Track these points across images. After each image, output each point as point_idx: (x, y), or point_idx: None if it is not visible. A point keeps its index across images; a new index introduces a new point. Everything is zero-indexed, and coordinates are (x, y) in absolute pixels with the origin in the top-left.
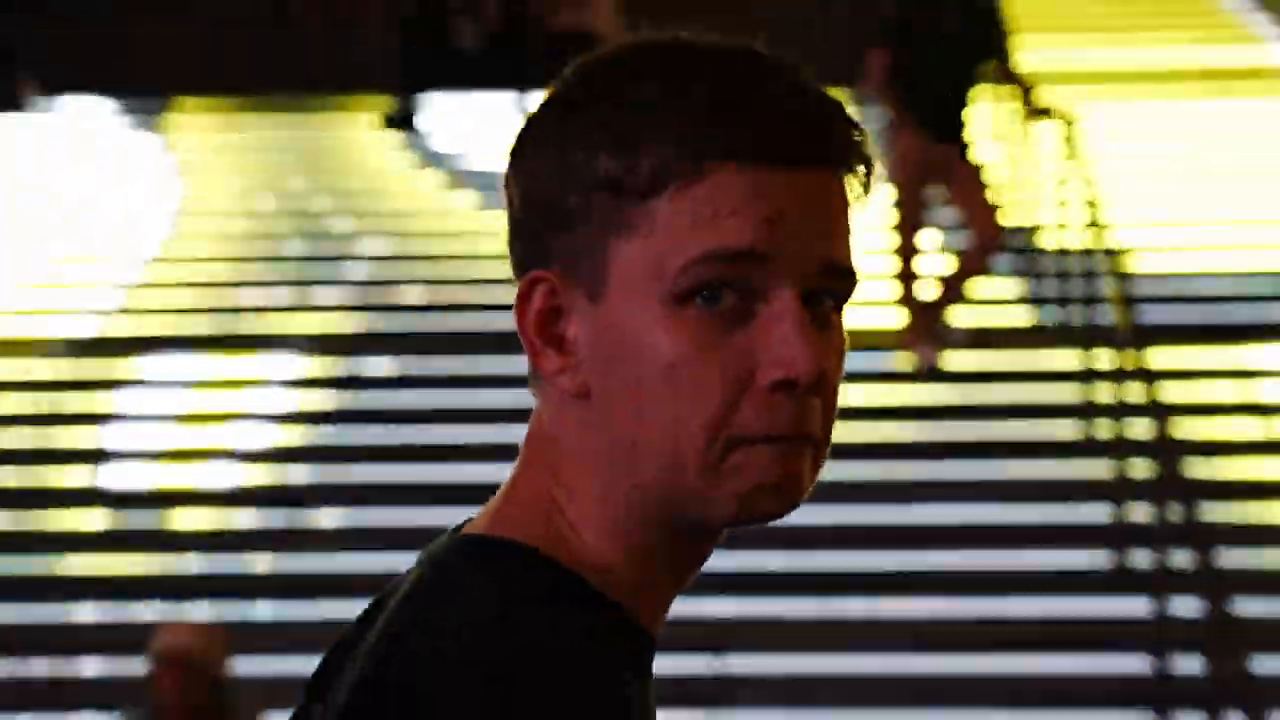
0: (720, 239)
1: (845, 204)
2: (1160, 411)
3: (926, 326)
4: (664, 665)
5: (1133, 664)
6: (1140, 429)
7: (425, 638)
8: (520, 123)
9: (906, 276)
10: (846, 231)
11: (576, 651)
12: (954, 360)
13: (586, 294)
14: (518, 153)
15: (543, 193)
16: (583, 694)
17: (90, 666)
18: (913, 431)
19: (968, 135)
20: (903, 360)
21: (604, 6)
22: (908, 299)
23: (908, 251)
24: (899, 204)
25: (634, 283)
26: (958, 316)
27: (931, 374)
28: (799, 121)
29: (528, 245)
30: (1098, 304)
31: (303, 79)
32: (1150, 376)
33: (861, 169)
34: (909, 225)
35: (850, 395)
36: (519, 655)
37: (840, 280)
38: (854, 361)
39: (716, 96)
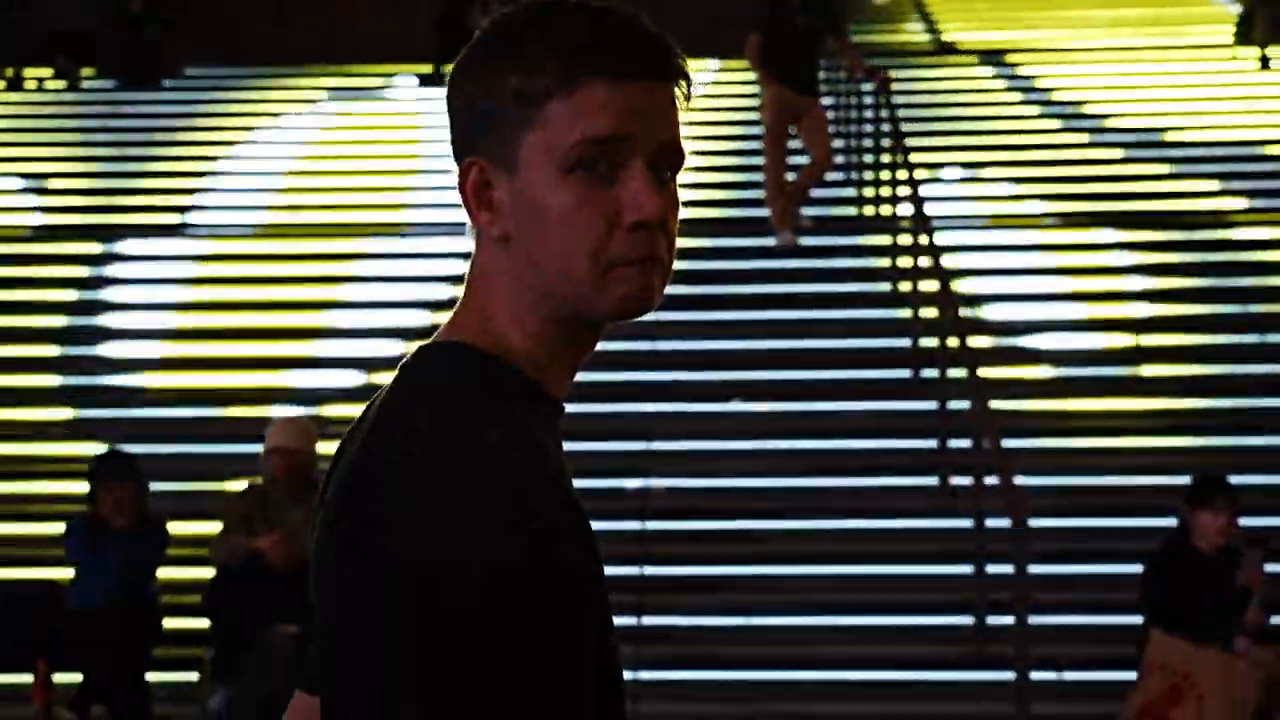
0: (594, 127)
1: (676, 106)
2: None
3: (788, 215)
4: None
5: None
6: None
7: (394, 427)
8: (459, 57)
9: (774, 184)
10: (677, 124)
11: (499, 413)
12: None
13: (506, 170)
14: (454, 79)
15: (475, 103)
16: (503, 444)
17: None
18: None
19: (815, 90)
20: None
21: None
22: (774, 199)
23: (776, 167)
24: (768, 135)
25: (537, 160)
26: (803, 210)
27: (790, 251)
28: (643, 49)
29: (465, 140)
30: (898, 202)
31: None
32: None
33: (685, 84)
34: (776, 149)
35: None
36: (457, 428)
37: (674, 156)
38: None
39: (588, 33)
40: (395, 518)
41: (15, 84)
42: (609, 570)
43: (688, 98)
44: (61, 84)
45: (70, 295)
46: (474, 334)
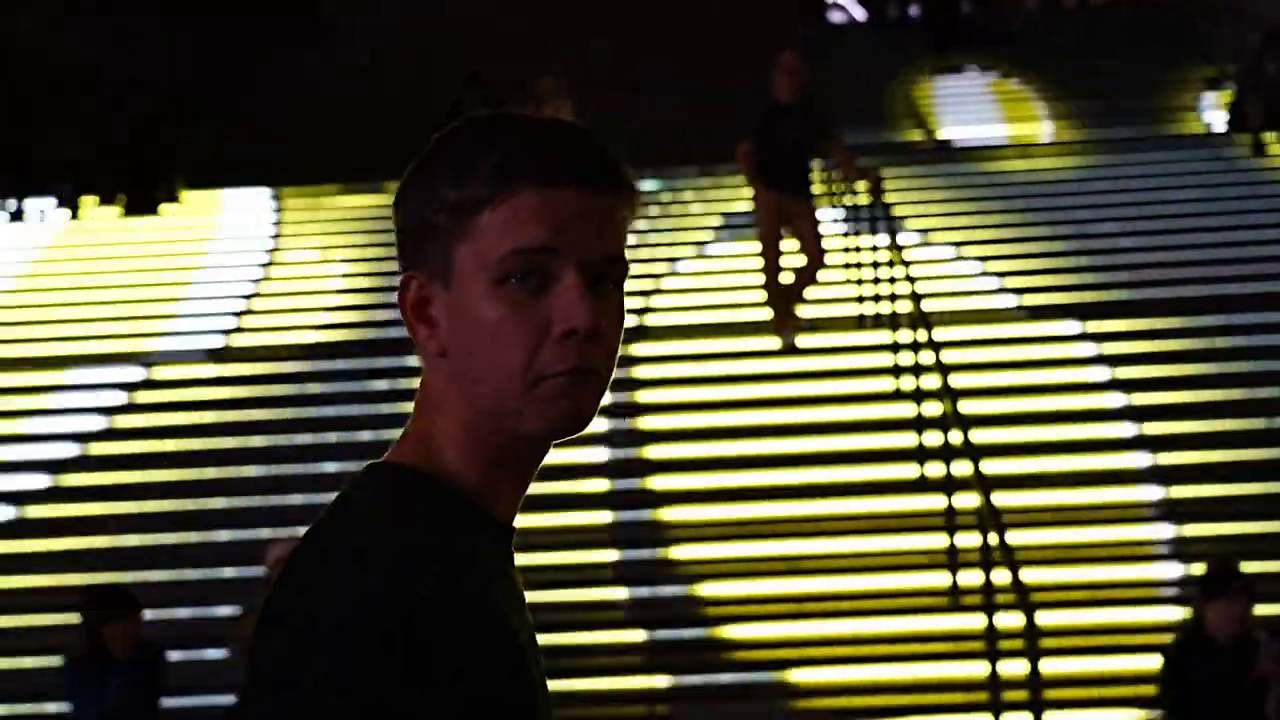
0: (524, 239)
1: (615, 214)
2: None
3: (785, 317)
4: None
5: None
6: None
7: (326, 538)
8: (406, 172)
9: (772, 287)
10: (620, 235)
11: (419, 540)
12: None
13: (442, 284)
14: (400, 191)
15: (413, 217)
16: (413, 560)
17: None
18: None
19: (807, 193)
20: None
21: (566, 110)
22: (772, 301)
23: (772, 270)
24: (762, 240)
25: (470, 272)
26: (800, 311)
27: (791, 350)
28: (579, 157)
29: (406, 253)
30: (896, 299)
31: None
32: (944, 369)
33: (627, 193)
34: (771, 252)
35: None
36: (378, 542)
37: (616, 267)
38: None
39: (523, 141)
40: (289, 610)
41: None
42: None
43: (633, 209)
44: None
45: None
46: (414, 454)
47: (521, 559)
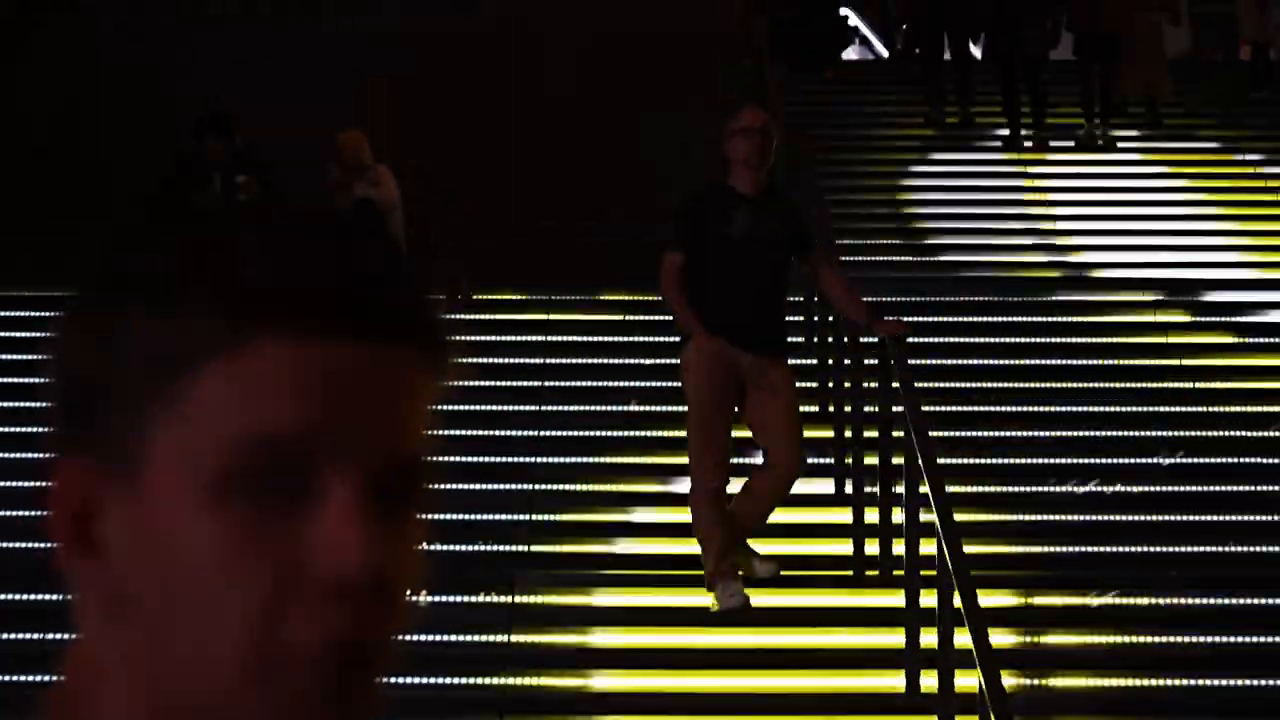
0: (266, 422)
1: (412, 384)
2: None
3: (733, 557)
4: None
5: None
6: None
7: None
8: (65, 300)
9: (707, 504)
10: (414, 414)
11: None
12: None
13: (122, 486)
14: (54, 334)
15: (73, 369)
16: None
17: None
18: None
19: (777, 345)
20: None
21: (388, 179)
22: (706, 528)
23: (709, 473)
24: (692, 417)
25: (172, 472)
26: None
27: (738, 614)
28: (359, 290)
29: (60, 429)
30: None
31: None
32: None
33: (433, 348)
34: (706, 437)
35: None
36: None
37: (411, 467)
38: None
39: (267, 260)
40: None
41: None
42: None
43: (440, 374)
44: None
45: None
46: None
47: None
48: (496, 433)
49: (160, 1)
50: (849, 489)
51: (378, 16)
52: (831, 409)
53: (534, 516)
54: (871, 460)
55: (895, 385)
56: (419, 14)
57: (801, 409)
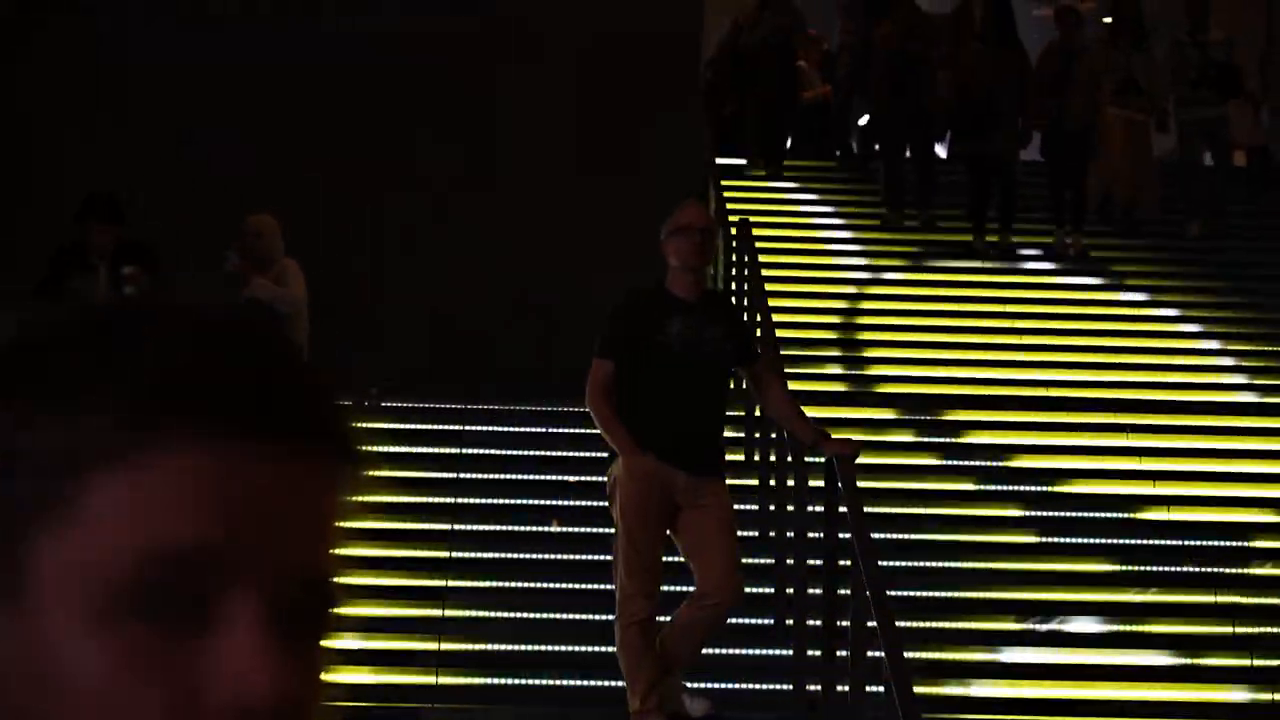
0: (165, 535)
1: (323, 496)
2: None
3: (660, 690)
4: None
5: None
6: None
7: None
8: None
9: (634, 632)
10: (323, 530)
11: None
12: None
13: (5, 597)
14: None
15: None
16: None
17: None
18: None
19: (715, 465)
20: None
21: (297, 276)
22: (631, 659)
23: (635, 600)
24: (621, 542)
25: (58, 587)
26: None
27: None
28: (269, 393)
29: None
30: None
31: None
32: None
33: (342, 457)
34: (635, 565)
35: None
36: None
37: (319, 588)
38: None
39: (170, 354)
40: None
41: None
42: None
43: (351, 485)
44: None
45: None
46: None
47: None
48: (404, 553)
49: (160, 1)
50: (790, 621)
51: (378, 16)
52: (773, 534)
53: (443, 646)
54: (815, 591)
55: (842, 510)
56: (419, 14)
57: (740, 534)
